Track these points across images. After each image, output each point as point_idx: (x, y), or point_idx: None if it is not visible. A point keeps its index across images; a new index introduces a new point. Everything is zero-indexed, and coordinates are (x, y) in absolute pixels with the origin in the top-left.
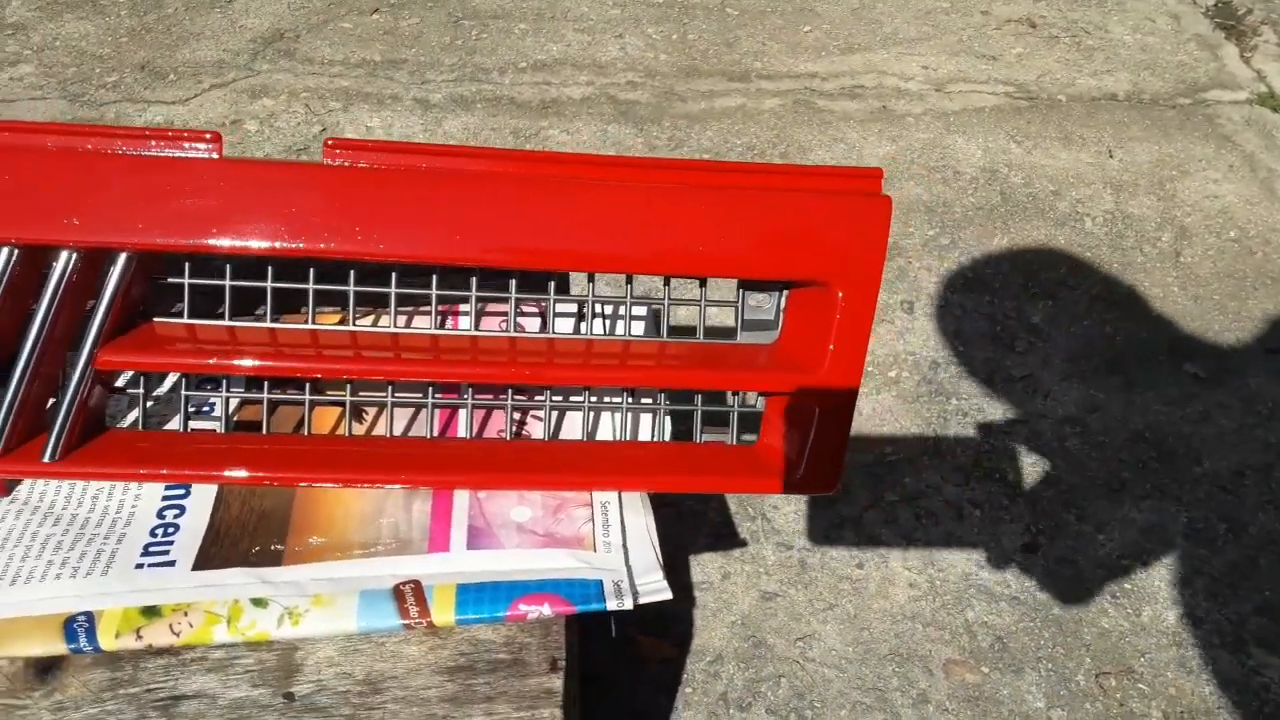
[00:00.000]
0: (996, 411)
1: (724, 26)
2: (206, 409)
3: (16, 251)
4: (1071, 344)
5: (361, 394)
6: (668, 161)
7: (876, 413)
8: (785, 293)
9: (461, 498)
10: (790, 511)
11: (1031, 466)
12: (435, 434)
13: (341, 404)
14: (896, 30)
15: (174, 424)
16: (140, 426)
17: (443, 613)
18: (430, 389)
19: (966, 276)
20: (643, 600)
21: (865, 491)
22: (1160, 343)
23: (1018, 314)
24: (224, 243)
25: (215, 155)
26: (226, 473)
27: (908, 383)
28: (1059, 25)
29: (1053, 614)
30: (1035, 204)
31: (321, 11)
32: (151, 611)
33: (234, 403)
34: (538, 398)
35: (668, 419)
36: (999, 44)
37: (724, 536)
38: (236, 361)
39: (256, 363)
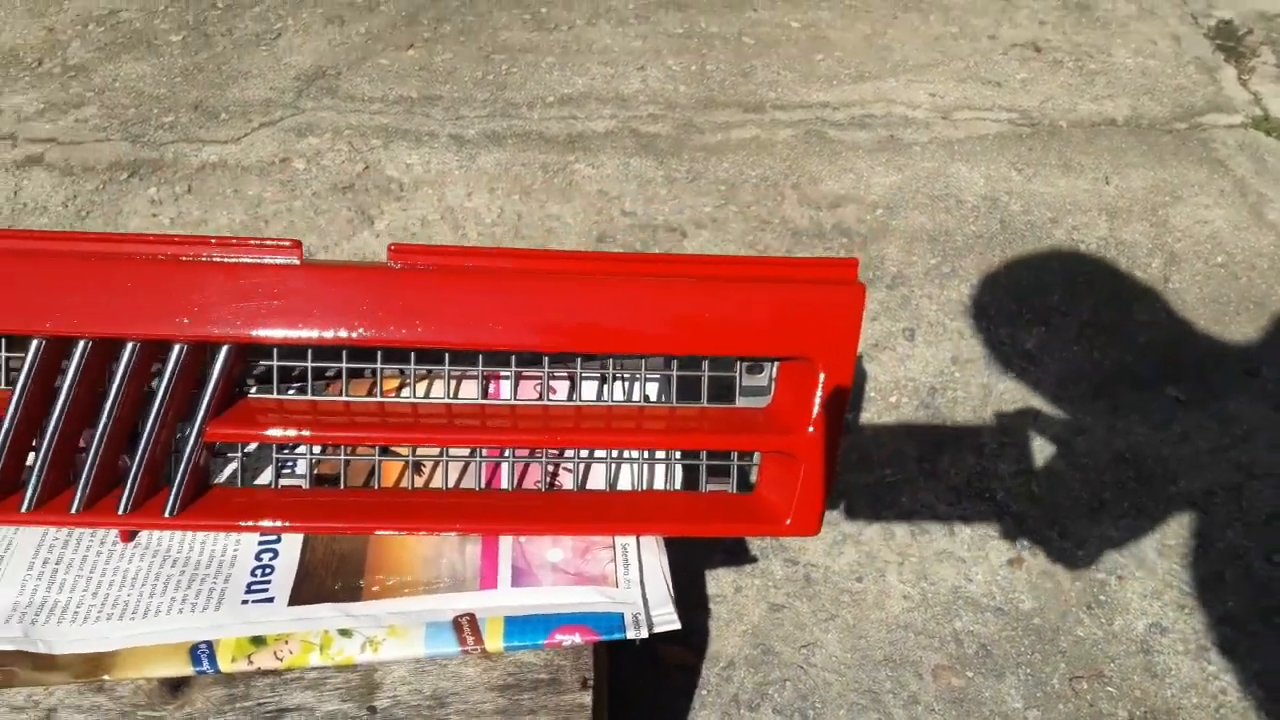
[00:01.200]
0: (989, 435)
1: (740, 56)
2: (290, 465)
3: (137, 345)
4: (1061, 369)
5: (420, 452)
6: (676, 257)
7: (877, 436)
8: (776, 364)
9: (506, 541)
10: None
11: (1019, 487)
12: (483, 485)
13: (405, 460)
14: (906, 57)
15: (264, 478)
16: (238, 483)
17: (493, 641)
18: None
19: (965, 304)
20: (657, 630)
21: (866, 511)
22: (1145, 367)
23: (1012, 340)
24: (306, 334)
25: (296, 260)
26: (311, 524)
27: (907, 407)
28: (1064, 49)
29: (1033, 624)
30: (1033, 231)
31: (360, 48)
32: (258, 641)
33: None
34: (568, 453)
35: (679, 470)
36: (1004, 69)
37: (736, 554)
38: (319, 433)
39: (335, 434)
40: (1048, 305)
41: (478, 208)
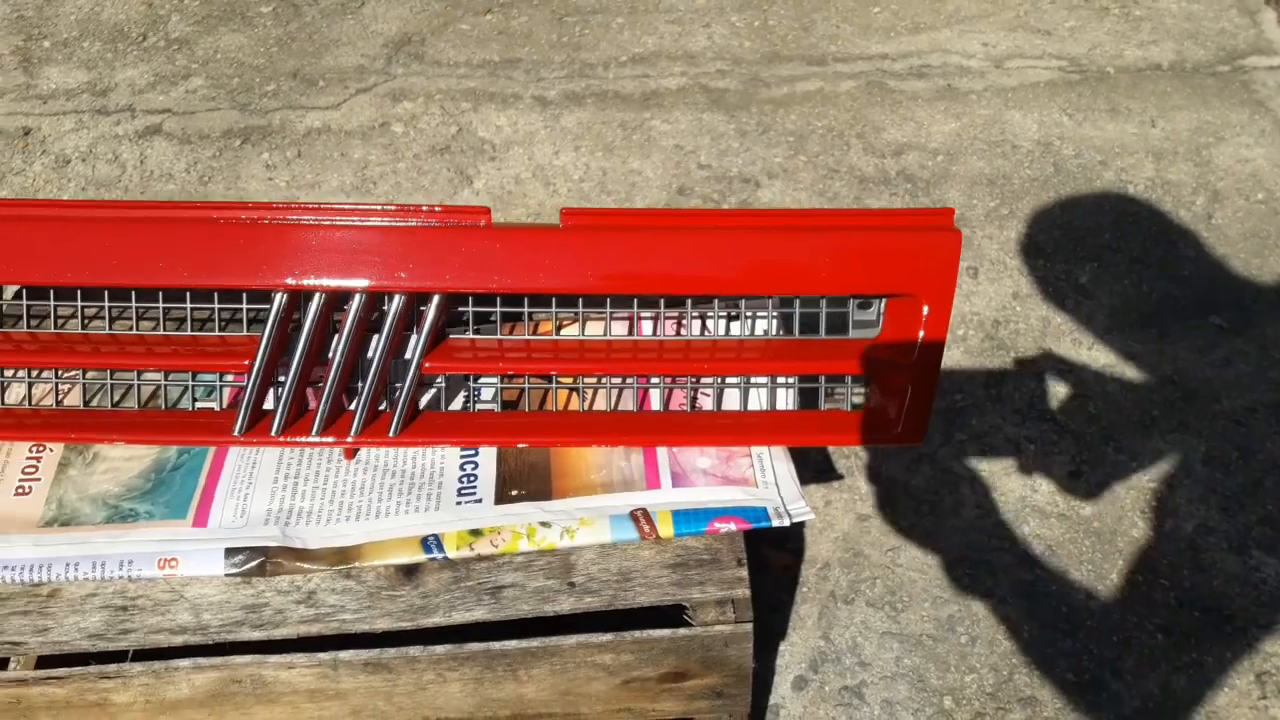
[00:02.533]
0: (1048, 362)
1: (801, 11)
2: (476, 392)
3: (364, 297)
4: (1113, 301)
5: (584, 380)
6: (796, 212)
7: (947, 366)
8: (884, 301)
9: (663, 451)
10: (879, 451)
11: (1077, 407)
12: (637, 407)
13: (573, 388)
14: (959, 8)
15: (458, 404)
16: (440, 408)
17: (665, 529)
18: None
19: (1023, 243)
20: (795, 519)
21: (939, 433)
22: (1190, 298)
23: (1067, 276)
24: (499, 284)
25: (485, 224)
26: (503, 439)
27: (973, 339)
28: None
29: (1092, 527)
30: (1084, 174)
31: (440, 14)
32: (475, 533)
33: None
34: (706, 379)
35: (795, 393)
36: (1053, 18)
37: (825, 472)
38: (508, 365)
39: (520, 365)
40: (1099, 243)
41: (565, 165)
